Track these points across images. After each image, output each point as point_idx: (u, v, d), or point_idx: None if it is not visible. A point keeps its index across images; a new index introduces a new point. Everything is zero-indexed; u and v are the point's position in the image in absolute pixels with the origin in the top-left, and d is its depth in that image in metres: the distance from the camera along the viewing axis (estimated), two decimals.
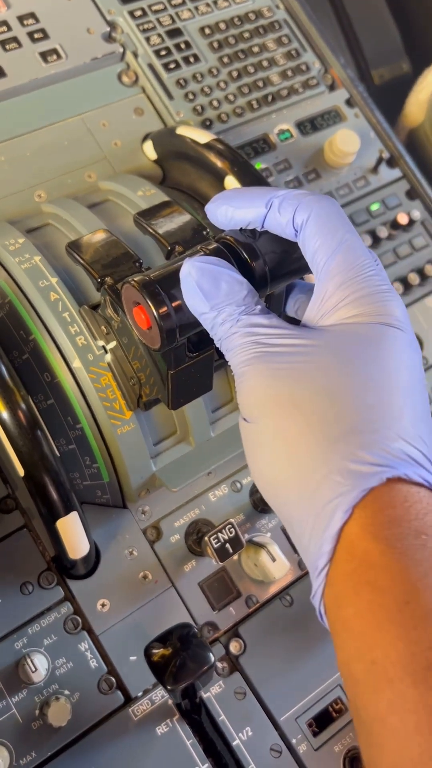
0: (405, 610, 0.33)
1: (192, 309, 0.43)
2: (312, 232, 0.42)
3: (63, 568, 0.60)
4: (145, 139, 0.79)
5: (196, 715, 0.60)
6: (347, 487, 0.36)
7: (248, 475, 0.68)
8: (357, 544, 0.35)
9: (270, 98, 0.85)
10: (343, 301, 0.41)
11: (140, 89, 0.81)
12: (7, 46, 0.77)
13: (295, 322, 0.44)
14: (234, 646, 0.63)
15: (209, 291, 0.42)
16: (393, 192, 0.86)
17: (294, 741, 0.61)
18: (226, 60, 0.85)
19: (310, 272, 0.44)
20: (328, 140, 0.83)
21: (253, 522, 0.67)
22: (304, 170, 0.84)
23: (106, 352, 0.58)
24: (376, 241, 0.84)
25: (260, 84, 0.85)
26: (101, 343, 0.58)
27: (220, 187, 0.68)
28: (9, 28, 0.78)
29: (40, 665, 0.56)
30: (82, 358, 0.57)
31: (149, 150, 0.78)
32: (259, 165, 0.82)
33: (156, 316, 0.43)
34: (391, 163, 0.87)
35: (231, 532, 0.60)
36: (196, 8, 0.86)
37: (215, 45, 0.85)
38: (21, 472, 0.53)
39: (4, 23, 0.78)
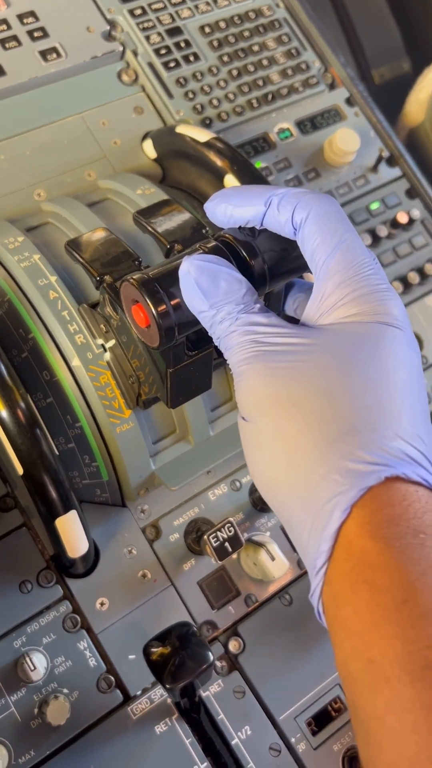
0: (403, 609, 0.33)
1: (191, 307, 0.43)
2: (311, 230, 0.42)
3: (62, 567, 0.60)
4: (144, 137, 0.78)
5: (195, 714, 0.60)
6: (346, 486, 0.36)
7: (247, 474, 0.68)
8: (355, 543, 0.35)
9: (270, 97, 0.85)
10: (341, 300, 0.41)
11: (140, 88, 0.81)
12: (7, 45, 0.77)
13: (294, 321, 0.44)
14: (233, 645, 0.63)
15: (208, 289, 0.42)
16: (393, 191, 0.86)
17: (293, 740, 0.61)
18: (226, 59, 0.85)
19: (309, 271, 0.44)
20: (328, 139, 0.83)
21: (253, 521, 0.67)
22: (304, 169, 0.83)
23: (105, 350, 0.58)
24: (375, 240, 0.83)
25: (260, 83, 0.85)
26: (100, 341, 0.58)
27: (220, 185, 0.68)
28: (9, 27, 0.78)
29: (38, 664, 0.56)
30: (82, 356, 0.57)
31: (149, 149, 0.78)
32: (259, 164, 0.82)
33: (155, 315, 0.43)
34: (391, 162, 0.87)
35: (230, 531, 0.60)
36: (196, 7, 0.86)
37: (215, 43, 0.85)
38: (20, 470, 0.53)
39: (4, 21, 0.78)
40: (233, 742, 0.59)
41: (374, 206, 0.85)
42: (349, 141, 0.81)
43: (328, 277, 0.42)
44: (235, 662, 0.62)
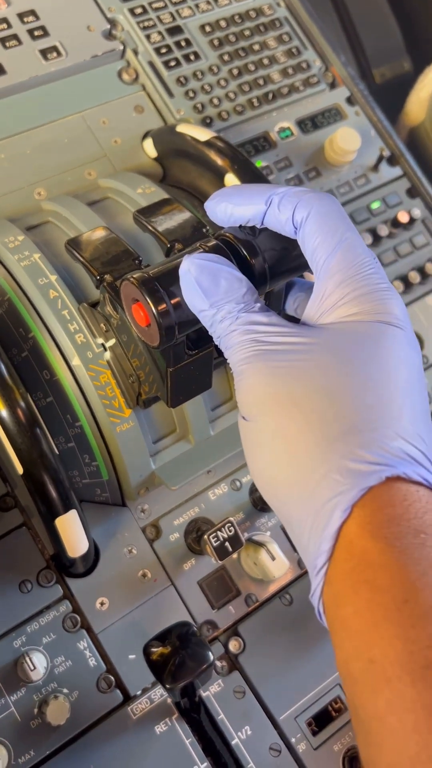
0: (403, 609, 0.33)
1: (191, 306, 0.43)
2: (312, 229, 0.42)
3: (62, 567, 0.60)
4: (145, 136, 0.78)
5: (195, 714, 0.60)
6: (346, 486, 0.36)
7: (248, 474, 0.68)
8: (356, 543, 0.35)
9: (270, 96, 0.85)
10: (342, 300, 0.41)
11: (140, 87, 0.81)
12: (7, 44, 0.77)
13: (294, 320, 0.44)
14: (233, 645, 0.63)
15: (208, 288, 0.41)
16: (394, 190, 0.86)
17: (293, 740, 0.61)
18: (226, 58, 0.85)
19: (310, 270, 0.44)
20: (329, 138, 0.83)
21: (253, 520, 0.67)
22: (305, 168, 0.83)
23: (105, 349, 0.58)
24: (376, 239, 0.83)
25: (261, 82, 0.85)
26: (100, 340, 0.58)
27: (220, 184, 0.67)
28: (9, 26, 0.78)
29: (38, 664, 0.56)
30: (82, 355, 0.57)
31: (149, 148, 0.77)
32: (260, 163, 0.82)
33: (155, 313, 0.43)
34: (392, 161, 0.87)
35: (230, 531, 0.60)
36: (197, 6, 0.86)
37: (216, 43, 0.85)
38: (20, 469, 0.52)
39: (5, 20, 0.78)
40: (233, 742, 0.59)
41: (375, 205, 0.85)
42: (349, 140, 0.81)
43: (329, 277, 0.42)
44: (235, 662, 0.62)
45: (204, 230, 0.57)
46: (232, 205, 0.44)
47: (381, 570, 0.34)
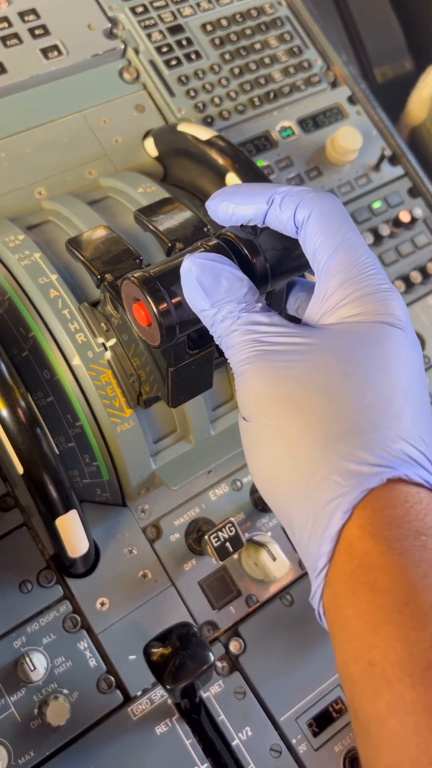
0: (404, 611, 0.33)
1: (192, 306, 0.42)
2: (313, 229, 0.42)
3: (62, 567, 0.60)
4: (146, 136, 0.78)
5: (195, 715, 0.60)
6: (347, 487, 0.36)
7: (248, 474, 0.68)
8: (356, 545, 0.35)
9: (272, 95, 0.85)
10: (343, 300, 0.41)
11: (141, 86, 0.81)
12: (8, 43, 0.77)
13: (295, 320, 0.44)
14: (234, 646, 0.62)
15: (209, 287, 0.41)
16: (395, 190, 0.86)
17: (294, 741, 0.61)
18: (227, 57, 0.84)
19: (311, 270, 0.44)
20: (330, 137, 0.83)
21: (254, 521, 0.67)
22: (306, 168, 0.83)
23: (105, 349, 0.58)
24: (378, 239, 0.83)
25: (262, 81, 0.85)
26: (101, 340, 0.57)
27: (222, 184, 0.67)
28: (10, 24, 0.78)
29: (38, 664, 0.56)
30: (82, 355, 0.57)
31: (150, 147, 0.77)
32: (261, 162, 0.82)
33: (155, 313, 0.43)
34: (393, 160, 0.87)
35: (231, 531, 0.60)
36: (198, 5, 0.86)
37: (217, 42, 0.85)
38: (20, 469, 0.52)
39: (5, 19, 0.78)
40: (234, 743, 0.59)
41: (376, 205, 0.84)
42: (351, 139, 0.81)
43: (330, 277, 0.42)
44: (235, 663, 0.62)
45: (205, 229, 0.57)
46: (234, 205, 0.44)
47: (381, 572, 0.34)
